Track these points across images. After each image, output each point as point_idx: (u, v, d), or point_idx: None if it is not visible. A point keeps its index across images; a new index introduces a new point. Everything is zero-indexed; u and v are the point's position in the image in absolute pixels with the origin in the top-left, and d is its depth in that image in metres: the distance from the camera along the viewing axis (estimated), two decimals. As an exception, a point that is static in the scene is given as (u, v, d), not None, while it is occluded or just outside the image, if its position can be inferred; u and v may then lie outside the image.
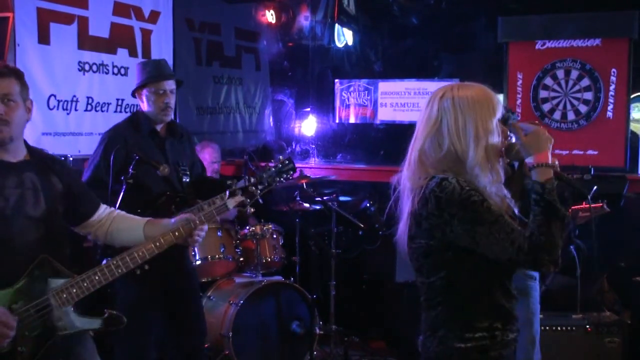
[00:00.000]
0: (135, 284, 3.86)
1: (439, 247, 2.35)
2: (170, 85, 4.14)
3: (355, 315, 6.18)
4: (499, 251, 2.25)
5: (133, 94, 4.21)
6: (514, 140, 2.43)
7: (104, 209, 3.12)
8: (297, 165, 3.94)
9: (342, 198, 6.26)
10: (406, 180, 2.47)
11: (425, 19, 7.28)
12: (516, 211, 2.43)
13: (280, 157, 3.74)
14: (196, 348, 4.34)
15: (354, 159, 7.41)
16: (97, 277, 2.80)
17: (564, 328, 4.79)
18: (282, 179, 3.70)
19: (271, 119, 8.10)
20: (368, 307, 6.29)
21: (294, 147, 7.69)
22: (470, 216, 2.26)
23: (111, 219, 3.11)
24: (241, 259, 5.40)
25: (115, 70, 5.40)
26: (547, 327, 4.71)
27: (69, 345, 2.90)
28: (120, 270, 2.85)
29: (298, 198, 5.67)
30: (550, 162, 2.32)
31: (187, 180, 4.14)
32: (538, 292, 4.27)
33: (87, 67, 5.13)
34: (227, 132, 7.24)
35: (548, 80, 6.31)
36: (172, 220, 3.06)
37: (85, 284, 2.78)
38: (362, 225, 5.83)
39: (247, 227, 5.42)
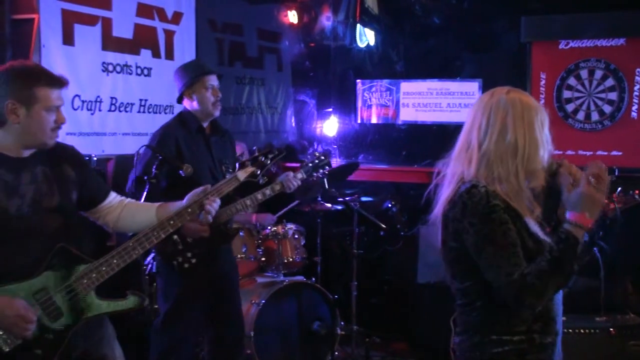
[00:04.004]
0: (181, 277, 3.94)
1: (466, 251, 2.34)
2: (216, 80, 4.26)
3: (376, 316, 6.18)
4: (493, 276, 2.26)
5: (180, 98, 4.28)
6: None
7: (114, 196, 3.17)
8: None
9: (363, 198, 6.25)
10: (452, 170, 2.44)
11: (448, 18, 7.24)
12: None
13: (317, 152, 3.74)
14: (236, 341, 4.42)
15: (376, 160, 7.39)
16: (115, 261, 2.87)
17: (586, 331, 4.75)
18: (318, 174, 3.74)
19: (293, 120, 8.11)
20: (389, 307, 6.29)
21: (315, 147, 7.69)
22: (485, 230, 2.26)
23: (122, 205, 3.16)
24: (263, 259, 5.41)
25: (139, 71, 5.43)
26: (570, 330, 4.67)
27: (88, 330, 2.97)
28: (137, 252, 2.89)
29: (320, 198, 5.67)
30: (588, 227, 2.25)
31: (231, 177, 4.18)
32: (561, 294, 4.23)
33: (110, 67, 5.16)
34: (249, 133, 7.26)
35: (572, 81, 6.26)
36: (184, 200, 3.07)
37: (104, 268, 2.85)
38: (383, 226, 5.83)
39: (269, 228, 5.44)
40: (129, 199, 3.24)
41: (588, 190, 2.25)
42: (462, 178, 2.38)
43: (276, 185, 4.17)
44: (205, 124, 4.26)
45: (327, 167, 3.83)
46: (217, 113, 4.26)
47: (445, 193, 2.43)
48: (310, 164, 3.75)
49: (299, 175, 4.18)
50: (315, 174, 3.86)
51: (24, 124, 2.78)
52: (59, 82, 2.87)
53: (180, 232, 3.68)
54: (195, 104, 4.22)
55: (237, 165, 3.32)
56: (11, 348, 2.72)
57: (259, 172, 3.35)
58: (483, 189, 2.29)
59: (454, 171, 2.43)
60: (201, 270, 3.92)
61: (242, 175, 3.27)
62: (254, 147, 3.44)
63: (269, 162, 3.39)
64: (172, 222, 2.97)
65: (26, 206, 2.80)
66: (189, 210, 3.01)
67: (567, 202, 2.30)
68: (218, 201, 3.10)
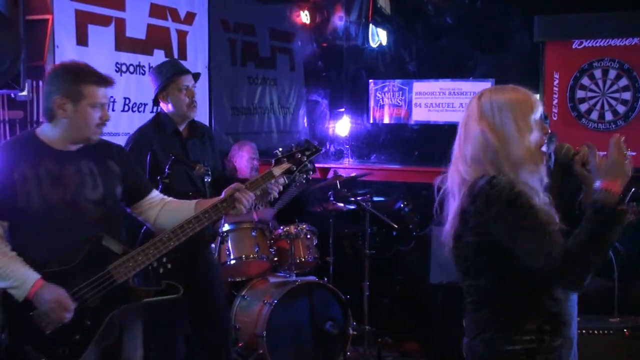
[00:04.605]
0: (158, 281, 3.91)
1: (487, 246, 2.33)
2: (191, 80, 4.16)
3: (388, 316, 6.17)
4: (533, 259, 2.24)
5: (156, 100, 4.19)
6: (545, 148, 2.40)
7: (156, 193, 3.33)
8: (331, 165, 3.95)
9: (376, 198, 6.24)
10: (452, 179, 2.46)
11: (460, 18, 7.23)
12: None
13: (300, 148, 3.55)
14: (221, 343, 4.37)
15: (388, 160, 7.39)
16: (150, 251, 3.02)
17: (600, 332, 4.72)
18: (302, 179, 3.64)
19: (305, 120, 8.11)
20: (402, 308, 6.28)
21: (328, 147, 7.69)
22: (515, 217, 2.25)
23: (163, 202, 3.30)
24: (275, 258, 5.42)
25: (152, 71, 5.46)
26: (584, 331, 4.64)
27: (123, 323, 3.12)
28: (172, 243, 3.04)
29: (332, 198, 5.67)
30: (619, 194, 2.25)
31: (209, 179, 4.07)
32: (576, 298, 4.22)
33: (124, 68, 5.18)
34: (261, 133, 7.27)
35: (585, 80, 6.23)
36: (221, 194, 3.19)
37: (140, 258, 3.01)
38: (395, 226, 5.82)
39: (281, 227, 5.45)
40: (169, 197, 3.36)
41: (619, 157, 2.29)
42: (475, 176, 2.38)
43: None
44: (182, 127, 4.17)
45: (311, 173, 3.65)
46: (192, 115, 4.16)
47: (458, 195, 2.43)
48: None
49: (281, 180, 3.91)
50: (298, 181, 3.70)
51: (71, 118, 2.97)
52: (105, 81, 3.07)
53: None
54: (170, 107, 4.13)
55: (272, 160, 3.27)
56: (52, 330, 2.88)
57: (295, 168, 3.29)
58: (504, 178, 2.29)
59: (460, 175, 2.43)
60: (178, 274, 3.76)
61: (277, 171, 3.25)
62: (292, 144, 3.39)
63: (305, 159, 3.31)
64: (207, 215, 3.10)
65: (70, 196, 2.96)
66: (224, 204, 3.12)
67: (597, 172, 2.30)
68: (252, 195, 3.17)
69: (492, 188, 2.28)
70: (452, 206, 2.45)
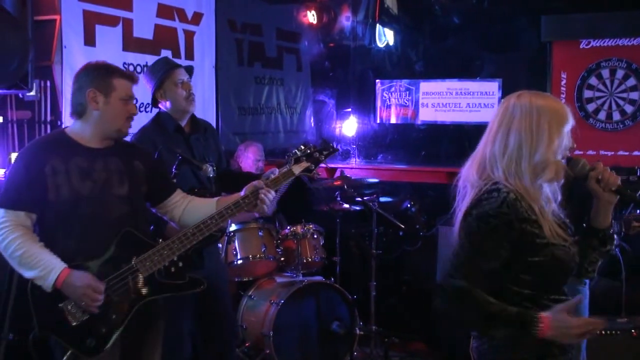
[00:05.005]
0: (182, 275, 3.92)
1: None
2: (185, 74, 4.13)
3: (395, 316, 6.17)
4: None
5: (154, 100, 4.17)
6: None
7: (180, 193, 3.41)
8: (337, 165, 3.95)
9: (382, 198, 6.25)
10: (468, 178, 2.47)
11: (467, 18, 7.22)
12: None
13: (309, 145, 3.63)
14: (226, 341, 4.37)
15: (395, 160, 7.39)
16: (175, 245, 3.12)
17: (608, 332, 4.71)
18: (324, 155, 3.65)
19: (312, 120, 8.12)
20: (408, 308, 6.27)
21: (335, 146, 7.69)
22: (473, 228, 2.31)
23: (187, 201, 3.39)
24: (282, 258, 5.42)
25: (159, 72, 5.46)
26: (592, 331, 4.63)
27: (148, 319, 3.19)
28: (196, 238, 3.14)
29: (339, 198, 5.67)
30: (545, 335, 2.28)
31: (214, 175, 4.07)
32: (587, 297, 4.22)
33: (131, 68, 5.19)
34: (268, 133, 7.28)
35: (593, 80, 6.22)
36: (241, 192, 3.26)
37: (165, 252, 3.10)
38: (402, 226, 5.81)
39: (288, 227, 5.45)
40: (192, 196, 3.45)
41: (575, 329, 2.29)
42: (487, 180, 2.39)
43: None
44: (183, 123, 4.15)
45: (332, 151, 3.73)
46: (191, 108, 4.14)
47: (469, 195, 2.45)
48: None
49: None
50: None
51: (103, 111, 3.09)
52: (132, 77, 3.20)
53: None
54: (168, 104, 4.10)
55: (292, 159, 3.37)
56: (78, 322, 2.97)
57: (313, 167, 3.42)
58: (503, 194, 2.31)
59: (475, 175, 2.45)
60: (187, 272, 3.78)
61: (297, 169, 3.36)
62: (310, 144, 3.51)
63: (323, 158, 3.45)
64: (229, 211, 3.19)
65: (98, 190, 3.06)
66: (246, 200, 3.20)
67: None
68: (273, 193, 3.27)
69: (486, 199, 2.32)
70: (462, 205, 2.46)
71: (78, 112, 3.13)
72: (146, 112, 5.34)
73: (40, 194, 3.00)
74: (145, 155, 3.36)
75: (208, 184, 4.10)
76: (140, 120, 5.23)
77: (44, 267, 2.92)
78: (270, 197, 3.23)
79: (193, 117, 4.24)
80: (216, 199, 3.36)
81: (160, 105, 4.18)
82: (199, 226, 3.16)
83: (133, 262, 3.05)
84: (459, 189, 2.49)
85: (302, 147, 3.43)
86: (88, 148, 3.12)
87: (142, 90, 5.26)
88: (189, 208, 3.36)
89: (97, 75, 3.11)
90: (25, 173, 3.01)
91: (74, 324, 2.97)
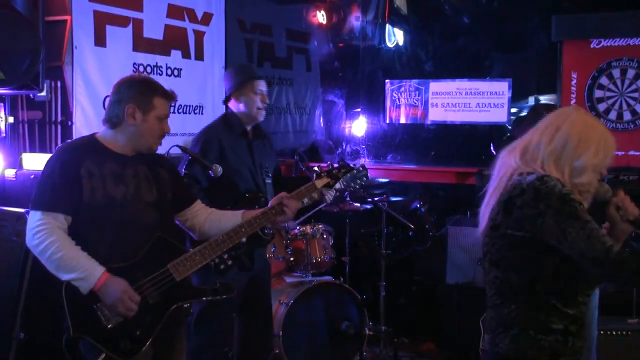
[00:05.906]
0: (216, 278, 3.98)
1: (526, 241, 2.35)
2: (265, 86, 4.34)
3: (405, 317, 6.16)
4: (586, 247, 2.26)
5: (227, 99, 4.36)
6: None
7: (200, 204, 3.49)
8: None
9: (392, 198, 6.24)
10: (505, 166, 2.50)
11: (477, 18, 7.22)
12: None
13: (354, 164, 3.98)
14: (265, 342, 4.47)
15: (405, 160, 7.38)
16: (207, 251, 3.19)
17: (619, 332, 4.70)
18: (356, 185, 3.89)
19: (322, 120, 8.12)
20: (418, 308, 6.26)
21: (344, 147, 7.70)
22: (567, 210, 2.30)
23: (208, 212, 3.46)
24: (291, 258, 5.43)
25: (169, 72, 5.48)
26: (602, 332, 4.62)
27: (177, 322, 3.25)
28: (226, 245, 3.24)
29: (348, 198, 5.67)
30: None
31: (270, 181, 4.31)
32: (597, 297, 4.21)
33: (141, 68, 5.21)
34: (277, 133, 7.28)
35: (603, 80, 6.19)
36: (269, 204, 3.46)
37: (197, 257, 3.16)
38: (412, 226, 5.81)
39: (298, 227, 5.45)
40: (212, 208, 3.52)
41: None
42: (517, 170, 2.42)
43: (314, 194, 4.13)
44: (248, 128, 4.31)
45: (365, 179, 3.95)
46: (260, 118, 4.33)
47: (495, 182, 2.48)
48: (349, 175, 3.80)
49: (337, 186, 4.14)
50: (353, 185, 3.93)
51: (139, 127, 3.13)
52: (171, 97, 3.26)
53: None
54: (242, 106, 4.27)
55: (314, 175, 3.66)
56: (113, 325, 2.98)
57: (332, 182, 3.70)
58: (555, 178, 2.35)
59: (508, 163, 2.48)
60: (236, 271, 3.94)
61: (319, 183, 3.64)
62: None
63: (340, 175, 3.75)
64: (258, 220, 3.33)
65: (130, 196, 3.11)
66: (273, 210, 3.38)
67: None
68: (297, 205, 3.48)
69: (542, 184, 2.33)
70: (495, 194, 2.47)
71: (113, 122, 3.15)
72: (177, 113, 5.37)
73: (77, 196, 3.01)
74: (169, 165, 3.42)
75: (264, 187, 4.26)
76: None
77: (84, 269, 2.94)
78: (293, 208, 3.41)
79: (257, 124, 4.40)
80: (241, 211, 3.44)
81: (230, 105, 4.35)
82: (229, 233, 3.25)
83: (168, 267, 3.09)
84: (494, 175, 2.52)
85: (325, 166, 3.73)
86: (119, 154, 3.16)
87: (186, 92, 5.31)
88: (212, 217, 3.42)
89: (139, 92, 3.14)
90: (61, 174, 3.02)
91: (109, 326, 2.98)
